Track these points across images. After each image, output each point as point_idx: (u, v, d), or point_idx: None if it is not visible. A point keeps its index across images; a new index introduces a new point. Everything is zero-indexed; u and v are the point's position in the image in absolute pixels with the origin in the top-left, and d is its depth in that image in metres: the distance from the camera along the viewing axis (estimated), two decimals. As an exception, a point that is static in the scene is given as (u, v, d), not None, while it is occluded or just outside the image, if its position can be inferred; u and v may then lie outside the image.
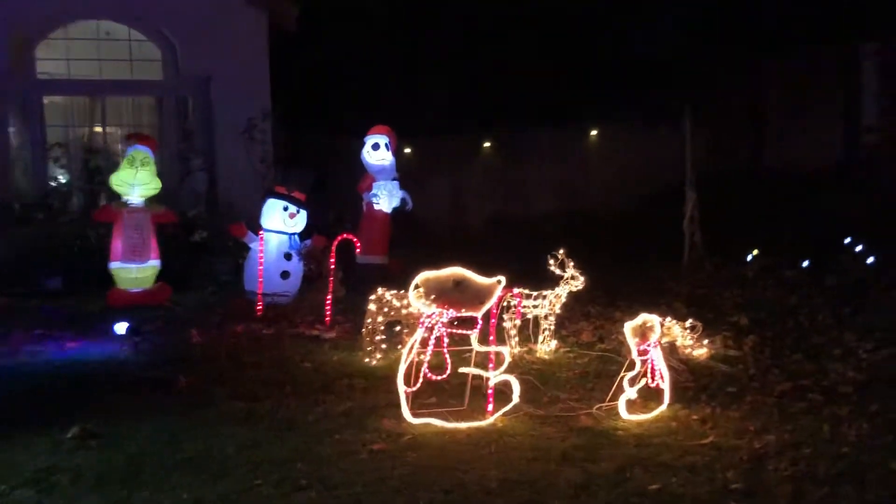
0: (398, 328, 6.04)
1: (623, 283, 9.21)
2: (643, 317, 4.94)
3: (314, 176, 8.33)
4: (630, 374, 4.85)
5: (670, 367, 5.68)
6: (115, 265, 7.89)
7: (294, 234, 7.99)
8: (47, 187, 11.01)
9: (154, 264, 8.05)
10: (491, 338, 4.66)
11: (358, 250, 7.03)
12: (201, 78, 11.27)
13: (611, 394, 4.97)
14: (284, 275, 7.80)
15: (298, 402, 4.81)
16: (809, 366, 5.83)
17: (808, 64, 13.50)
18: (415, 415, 4.49)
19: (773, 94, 13.99)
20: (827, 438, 4.38)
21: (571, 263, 6.28)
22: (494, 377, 4.59)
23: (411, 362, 4.45)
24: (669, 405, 4.91)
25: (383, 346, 5.81)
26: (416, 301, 4.41)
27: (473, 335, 4.55)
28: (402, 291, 5.96)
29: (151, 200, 8.17)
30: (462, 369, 4.58)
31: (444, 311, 4.42)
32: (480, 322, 4.54)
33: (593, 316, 7.60)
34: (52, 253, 8.95)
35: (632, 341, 4.86)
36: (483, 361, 4.68)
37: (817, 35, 13.05)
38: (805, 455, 4.13)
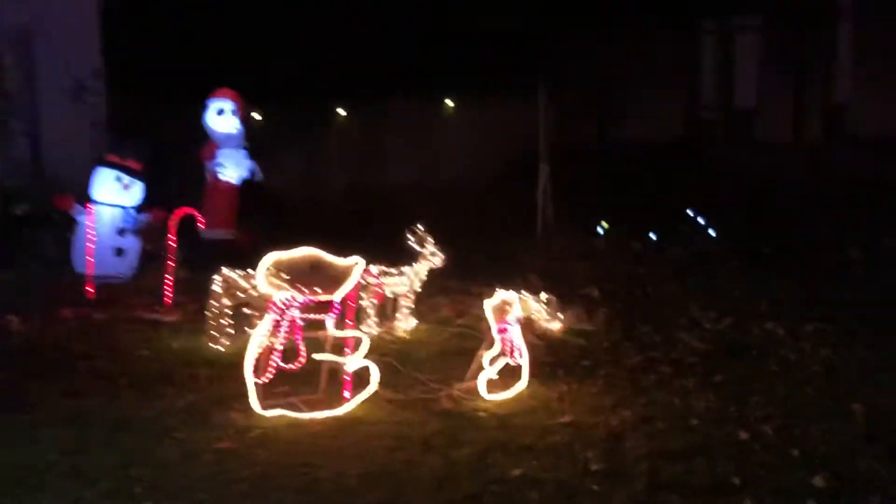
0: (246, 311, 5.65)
1: (480, 256, 9.17)
2: (502, 294, 4.84)
3: (150, 143, 7.65)
4: (490, 353, 4.75)
5: (528, 344, 5.69)
6: None
7: (129, 207, 7.32)
8: None
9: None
10: (348, 322, 4.40)
11: (201, 224, 6.49)
12: (20, 31, 10.10)
13: (470, 372, 4.85)
14: (119, 252, 7.15)
15: (134, 396, 4.36)
16: (658, 337, 6.00)
17: (654, 39, 13.95)
18: (265, 406, 4.17)
19: (622, 68, 14.39)
20: (679, 412, 4.47)
21: (431, 239, 6.11)
22: (352, 363, 4.35)
23: (261, 350, 4.11)
24: (528, 383, 4.87)
25: (230, 330, 5.41)
26: (265, 285, 4.07)
27: (329, 320, 4.27)
28: (251, 270, 5.59)
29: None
30: (316, 356, 4.30)
31: (298, 295, 4.12)
32: (337, 306, 4.27)
33: (451, 291, 7.50)
34: None
35: (491, 319, 4.75)
36: (339, 347, 4.42)
37: (663, 8, 13.45)
38: (659, 430, 4.20)
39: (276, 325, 4.13)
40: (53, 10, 9.99)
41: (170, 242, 6.36)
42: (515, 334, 4.89)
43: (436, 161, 14.04)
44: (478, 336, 5.99)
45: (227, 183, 8.19)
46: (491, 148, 13.52)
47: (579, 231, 9.42)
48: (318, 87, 13.71)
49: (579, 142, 13.30)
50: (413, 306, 6.19)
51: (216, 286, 5.39)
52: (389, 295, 6.10)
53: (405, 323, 6.15)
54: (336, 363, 4.37)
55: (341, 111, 14.60)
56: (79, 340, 5.31)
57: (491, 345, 4.78)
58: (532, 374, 4.93)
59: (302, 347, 4.25)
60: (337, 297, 4.23)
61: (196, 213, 6.45)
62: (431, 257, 6.12)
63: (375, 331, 5.95)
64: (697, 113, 14.07)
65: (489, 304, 4.75)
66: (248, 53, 13.28)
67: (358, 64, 14.14)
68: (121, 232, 7.20)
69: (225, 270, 5.44)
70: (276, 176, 12.25)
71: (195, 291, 6.40)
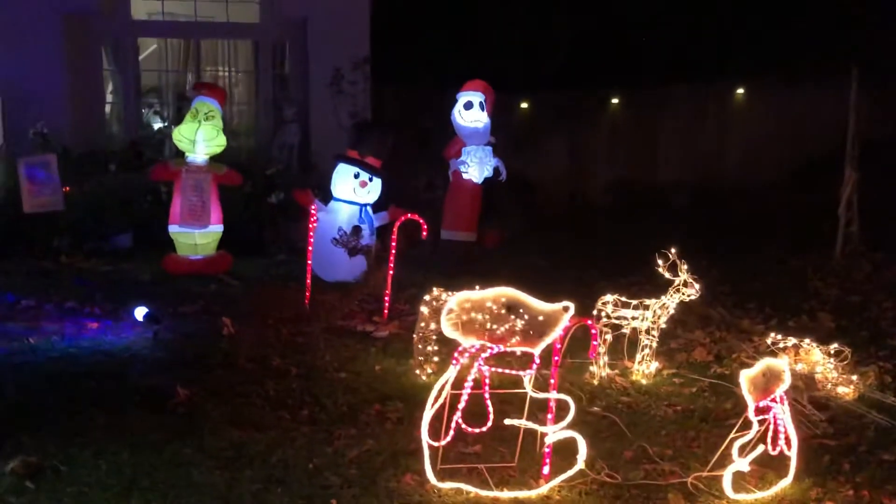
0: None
1: (756, 278, 7.69)
2: (766, 363, 3.61)
3: (393, 137, 7.27)
4: (743, 439, 3.57)
5: (801, 414, 4.35)
6: (173, 229, 7.22)
7: (366, 205, 7.01)
8: (137, 135, 10.56)
9: (215, 230, 7.32)
10: (551, 381, 3.49)
11: (424, 232, 5.92)
12: (299, 20, 10.40)
13: (715, 458, 3.71)
14: (353, 251, 6.86)
15: (310, 436, 3.85)
16: None
17: None
18: (443, 474, 3.44)
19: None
20: None
21: (685, 266, 4.95)
22: (553, 433, 3.45)
23: (442, 406, 3.37)
24: (796, 479, 3.62)
25: (436, 358, 4.76)
26: (449, 329, 3.30)
27: (527, 377, 3.41)
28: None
29: (216, 159, 7.41)
30: (509, 421, 3.46)
31: (488, 344, 3.31)
32: (538, 360, 3.39)
33: (713, 323, 6.23)
34: (124, 208, 8.41)
35: (749, 396, 3.56)
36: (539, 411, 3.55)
37: None
38: None
39: (461, 380, 3.35)
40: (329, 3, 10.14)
41: (392, 246, 5.84)
42: (782, 415, 3.65)
43: (716, 158, 12.35)
44: (737, 394, 4.79)
45: (470, 182, 7.62)
46: (784, 145, 11.55)
47: (892, 258, 7.50)
48: (589, 70, 12.71)
49: (891, 141, 10.85)
50: (655, 346, 5.09)
51: (423, 307, 4.76)
52: (626, 330, 5.07)
53: (644, 366, 5.07)
54: (532, 434, 3.50)
55: (614, 99, 13.44)
56: (281, 352, 4.97)
57: (746, 427, 3.59)
58: (802, 465, 3.67)
59: (490, 408, 3.45)
60: (537, 349, 3.34)
61: (419, 219, 5.85)
62: (684, 288, 4.96)
63: (605, 373, 4.98)
64: None
65: (747, 376, 3.56)
66: (518, 36, 12.68)
67: (636, 47, 12.89)
68: (355, 230, 6.90)
69: (434, 290, 4.79)
70: (537, 169, 11.61)
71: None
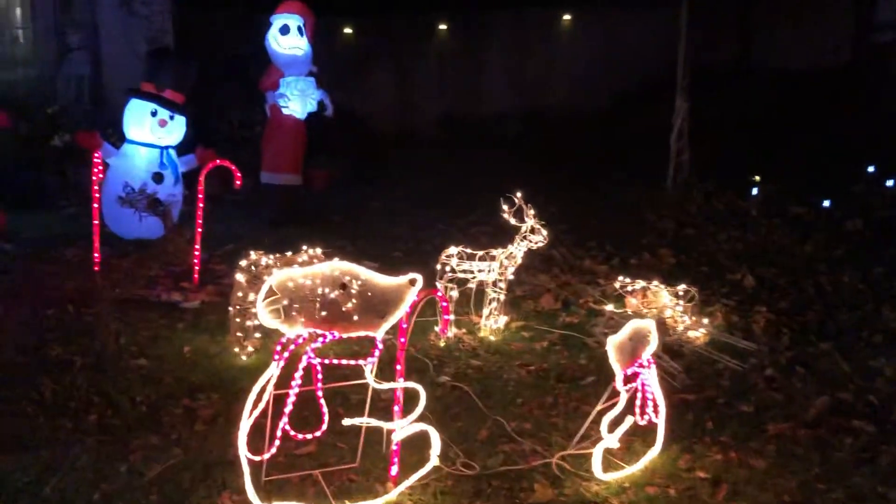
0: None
1: (594, 213, 7.50)
2: (632, 326, 3.23)
3: (198, 67, 6.25)
4: (611, 413, 3.19)
5: (661, 370, 4.08)
6: (-78, 183, 5.91)
7: (167, 147, 6.01)
8: None
9: (-20, 182, 6.08)
10: (397, 367, 2.92)
11: (238, 182, 5.06)
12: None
13: (580, 434, 3.33)
14: (153, 204, 5.87)
15: (97, 450, 3.06)
16: (847, 365, 4.27)
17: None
18: (269, 490, 2.80)
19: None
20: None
21: (532, 212, 4.51)
22: (402, 428, 2.89)
23: (265, 408, 2.71)
24: (664, 447, 3.32)
25: (257, 334, 4.05)
26: (269, 318, 2.61)
27: (368, 366, 2.81)
28: (311, 249, 4.19)
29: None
30: (349, 421, 2.86)
31: (319, 332, 2.66)
32: (380, 345, 2.79)
33: (556, 264, 5.93)
34: None
35: (617, 366, 3.17)
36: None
37: None
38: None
39: (287, 375, 2.70)
40: None
41: (200, 199, 4.96)
42: (650, 379, 3.31)
43: (547, 84, 12.09)
44: (591, 346, 4.48)
45: (291, 118, 6.77)
46: (613, 73, 11.45)
47: (722, 187, 7.53)
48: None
49: (719, 67, 11.01)
50: (502, 298, 4.66)
51: (239, 275, 4.01)
52: (472, 284, 4.60)
53: (492, 321, 4.64)
54: (377, 428, 2.94)
55: (441, 26, 12.77)
56: (61, 338, 4.04)
57: (613, 400, 3.21)
58: (669, 428, 3.37)
59: (324, 408, 2.84)
60: (379, 332, 2.75)
61: (232, 167, 4.98)
62: (531, 235, 4.53)
63: (451, 332, 4.50)
64: (870, 34, 11.46)
65: (614, 342, 3.16)
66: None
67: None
68: (156, 178, 5.91)
69: (252, 254, 4.04)
70: (362, 102, 10.81)
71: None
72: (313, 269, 2.64)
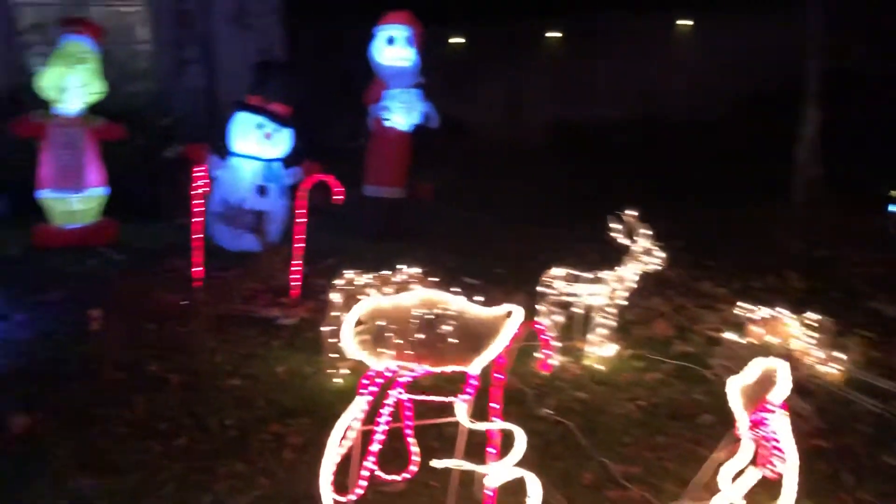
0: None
1: (714, 229, 7.02)
2: (761, 367, 2.86)
3: (302, 79, 6.25)
4: (733, 463, 2.84)
5: (789, 410, 3.66)
6: (44, 193, 6.11)
7: (272, 160, 6.01)
8: (20, 81, 9.18)
9: (97, 193, 6.24)
10: (493, 405, 2.68)
11: (339, 195, 4.93)
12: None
13: (696, 481, 2.99)
14: (257, 217, 5.87)
15: (182, 478, 2.96)
16: None
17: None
18: (354, 535, 2.62)
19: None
20: None
21: (645, 231, 4.18)
22: (497, 473, 2.65)
23: (350, 448, 2.53)
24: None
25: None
26: (357, 349, 2.43)
27: (460, 405, 2.58)
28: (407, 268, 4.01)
29: (92, 111, 6.26)
30: (439, 463, 2.64)
31: (409, 365, 2.46)
32: (475, 381, 2.56)
33: (671, 285, 5.53)
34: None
35: (741, 412, 2.81)
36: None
37: None
38: None
39: (374, 410, 2.51)
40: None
41: (298, 213, 4.88)
42: (778, 426, 2.93)
43: (664, 91, 11.58)
44: (708, 381, 4.09)
45: (395, 130, 6.66)
46: (732, 79, 10.83)
47: (858, 203, 6.89)
48: (526, 4, 11.68)
49: (850, 73, 10.20)
50: (614, 324, 4.34)
51: (333, 294, 3.87)
52: (579, 311, 4.30)
53: (600, 349, 4.33)
54: (471, 472, 2.70)
55: (553, 32, 12.48)
56: (157, 354, 4.02)
57: (735, 450, 2.85)
58: (798, 481, 2.97)
59: (414, 447, 2.63)
60: (474, 367, 2.52)
61: (333, 180, 4.87)
62: (644, 257, 4.20)
63: (554, 362, 4.21)
64: None
65: (736, 384, 2.80)
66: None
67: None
68: (260, 190, 5.92)
69: (348, 273, 3.90)
70: (470, 112, 10.66)
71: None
72: (403, 297, 2.45)
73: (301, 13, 8.86)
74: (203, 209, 4.92)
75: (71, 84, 5.99)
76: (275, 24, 8.70)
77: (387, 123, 6.58)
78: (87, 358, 3.90)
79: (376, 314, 2.43)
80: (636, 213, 4.15)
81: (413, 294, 2.47)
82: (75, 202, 6.11)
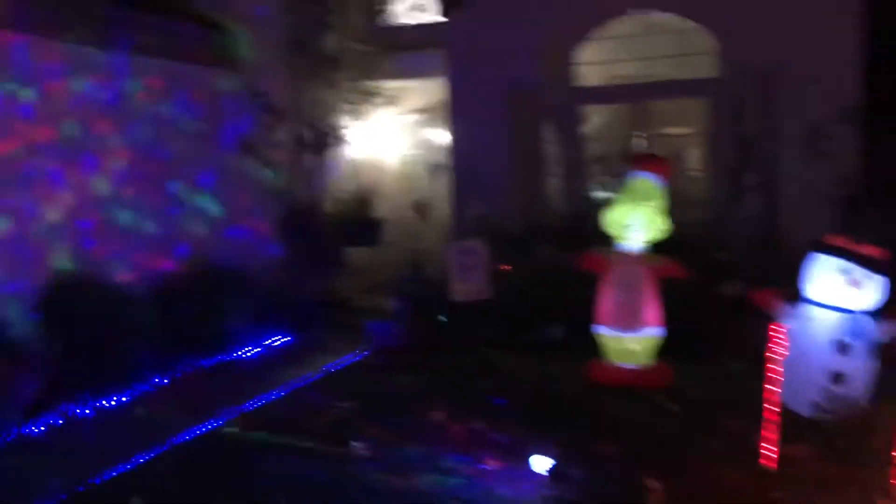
0: None
1: None
2: None
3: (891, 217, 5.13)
4: None
5: None
6: (600, 329, 6.05)
7: (859, 312, 4.98)
8: (582, 212, 9.78)
9: (652, 334, 5.96)
10: None
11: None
12: (765, 70, 8.63)
13: None
14: (837, 379, 4.88)
15: None
16: None
17: None
18: None
19: None
20: None
21: None
22: None
23: None
24: None
25: None
26: None
27: None
28: None
29: (654, 249, 6.07)
30: None
31: None
32: None
33: None
34: (556, 294, 7.51)
35: None
36: None
37: None
38: None
39: None
40: (806, 46, 8.23)
41: None
42: None
43: None
44: None
45: None
46: None
47: None
48: None
49: None
50: None
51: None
52: None
53: None
54: None
55: None
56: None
57: None
58: None
59: None
60: None
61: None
62: None
63: None
64: None
65: None
66: None
67: None
68: (842, 348, 4.92)
69: None
70: None
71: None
72: None
73: (887, 134, 7.56)
74: (779, 375, 4.15)
75: (635, 221, 5.89)
76: (852, 149, 7.65)
77: None
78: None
79: None
80: None
81: None
82: (630, 342, 5.93)
